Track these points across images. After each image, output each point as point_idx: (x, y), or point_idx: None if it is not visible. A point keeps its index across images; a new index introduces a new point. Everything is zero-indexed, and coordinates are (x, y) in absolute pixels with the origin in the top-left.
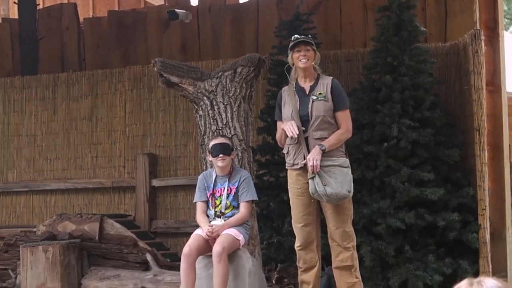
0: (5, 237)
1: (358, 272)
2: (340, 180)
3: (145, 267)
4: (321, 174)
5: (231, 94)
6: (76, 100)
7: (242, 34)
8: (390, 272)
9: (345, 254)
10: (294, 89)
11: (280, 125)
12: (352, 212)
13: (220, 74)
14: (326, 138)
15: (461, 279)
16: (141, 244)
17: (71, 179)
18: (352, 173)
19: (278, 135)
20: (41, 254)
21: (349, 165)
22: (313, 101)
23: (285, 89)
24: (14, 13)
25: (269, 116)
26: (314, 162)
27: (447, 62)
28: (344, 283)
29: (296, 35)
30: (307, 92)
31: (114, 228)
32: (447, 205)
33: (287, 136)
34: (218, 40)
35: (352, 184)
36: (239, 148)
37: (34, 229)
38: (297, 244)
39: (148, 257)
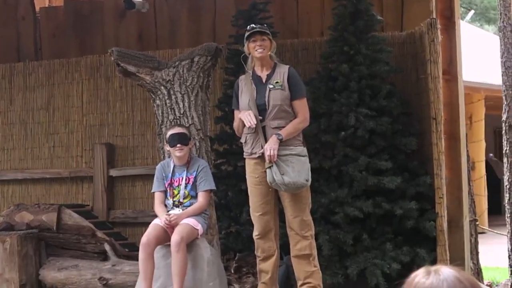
0: None
1: (316, 261)
2: (298, 169)
3: (104, 257)
4: (278, 163)
5: (188, 84)
6: (32, 90)
7: (199, 23)
8: (348, 261)
9: (303, 243)
10: (251, 78)
11: (237, 114)
12: (310, 201)
13: (177, 63)
14: (284, 127)
15: (418, 267)
16: (99, 234)
17: (28, 169)
18: (310, 162)
19: (235, 124)
20: None
21: (307, 154)
22: (270, 90)
23: (241, 78)
24: None
25: (227, 105)
26: (271, 152)
27: (404, 51)
28: (302, 272)
29: (251, 25)
30: (264, 81)
31: (72, 218)
32: (405, 194)
33: (244, 125)
34: (175, 30)
35: (310, 173)
36: (196, 138)
37: None
38: (255, 233)
39: (106, 247)
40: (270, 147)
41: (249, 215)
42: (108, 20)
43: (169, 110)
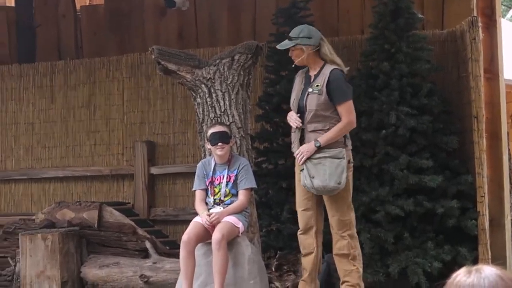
0: (4, 225)
1: (357, 261)
2: (329, 172)
3: (144, 254)
4: (309, 166)
5: (229, 82)
6: (73, 88)
7: (239, 21)
8: (390, 259)
9: (342, 243)
10: (304, 75)
11: None
12: (350, 201)
13: (218, 61)
14: (321, 130)
15: (460, 266)
16: (140, 231)
17: (70, 167)
18: None
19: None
20: (40, 242)
21: (345, 156)
22: (308, 94)
23: (299, 73)
24: (10, 1)
25: (267, 103)
26: (300, 156)
27: (445, 49)
28: (342, 270)
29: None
30: (311, 81)
31: (113, 215)
32: (446, 192)
33: None
34: (215, 27)
35: (345, 174)
36: (237, 136)
37: (33, 217)
38: (299, 229)
39: (147, 244)
40: (302, 151)
41: (290, 213)
42: (148, 18)
43: (209, 108)
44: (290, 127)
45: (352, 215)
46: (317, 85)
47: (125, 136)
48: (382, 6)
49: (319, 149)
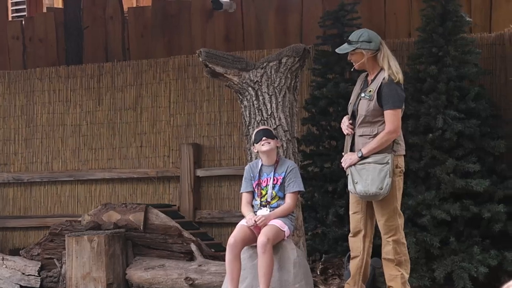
0: (51, 226)
1: (403, 267)
2: (372, 178)
3: (190, 257)
4: (352, 172)
5: (276, 85)
6: (120, 90)
7: (286, 24)
8: (435, 264)
9: (387, 247)
10: (364, 79)
11: None
12: (397, 206)
13: (265, 64)
14: (368, 135)
15: (506, 271)
16: (186, 234)
17: (116, 168)
18: None
19: None
20: (86, 244)
21: (389, 161)
22: (360, 99)
23: (361, 77)
24: (58, 3)
25: (314, 106)
26: (343, 163)
27: (492, 52)
28: (387, 274)
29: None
30: (367, 86)
31: (159, 218)
32: (493, 197)
33: None
34: (262, 30)
35: (389, 180)
36: (284, 139)
37: (79, 219)
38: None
39: (193, 247)
40: (345, 159)
41: (336, 217)
42: (195, 20)
43: (256, 111)
44: (336, 130)
45: (399, 221)
46: (370, 91)
47: (171, 138)
48: (430, 9)
49: None
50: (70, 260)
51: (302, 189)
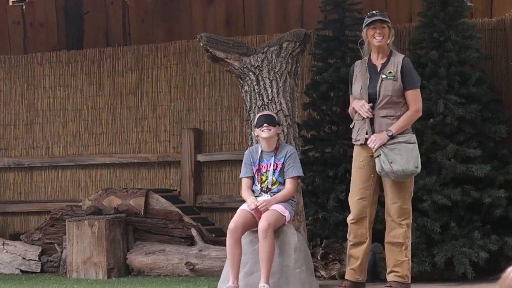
0: (51, 211)
1: (408, 251)
2: (406, 157)
3: (190, 242)
4: (386, 152)
5: (276, 70)
6: (121, 75)
7: (287, 9)
8: (436, 249)
9: (398, 231)
10: (366, 65)
11: (352, 100)
12: (412, 190)
13: (266, 49)
14: (392, 115)
15: (506, 257)
16: (186, 219)
17: (117, 153)
18: None
19: (350, 110)
20: (87, 229)
21: (415, 141)
22: (382, 80)
23: (357, 64)
24: None
25: (315, 91)
26: (372, 144)
27: (493, 37)
28: (392, 259)
29: (373, 12)
30: (378, 70)
31: (160, 203)
32: (494, 182)
33: (356, 111)
34: (263, 15)
35: (420, 160)
36: (284, 124)
37: (80, 204)
38: (350, 217)
39: (193, 232)
40: (374, 140)
41: (336, 202)
42: (196, 5)
43: (257, 96)
44: (337, 115)
45: (411, 205)
46: (390, 72)
47: (172, 123)
48: None
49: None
50: (70, 245)
51: (301, 174)
